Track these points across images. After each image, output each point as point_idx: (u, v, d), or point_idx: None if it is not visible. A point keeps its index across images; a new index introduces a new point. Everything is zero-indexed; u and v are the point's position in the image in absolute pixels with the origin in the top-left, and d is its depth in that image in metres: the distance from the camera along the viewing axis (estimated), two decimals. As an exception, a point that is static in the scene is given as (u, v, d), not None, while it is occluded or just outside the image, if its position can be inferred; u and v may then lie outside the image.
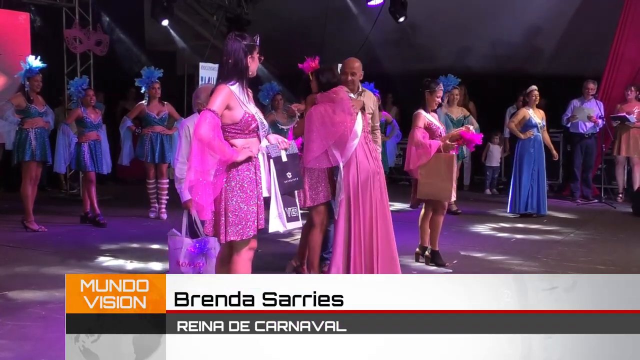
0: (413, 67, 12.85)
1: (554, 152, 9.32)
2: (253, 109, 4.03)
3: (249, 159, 3.93)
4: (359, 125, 5.19)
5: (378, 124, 6.05)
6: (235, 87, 3.93)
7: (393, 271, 5.26)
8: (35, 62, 7.72)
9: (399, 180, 12.46)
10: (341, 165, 5.20)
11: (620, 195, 10.67)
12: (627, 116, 10.30)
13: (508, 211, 9.24)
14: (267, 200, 4.03)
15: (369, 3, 11.96)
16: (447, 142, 6.14)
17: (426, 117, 6.19)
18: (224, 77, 3.95)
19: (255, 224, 3.95)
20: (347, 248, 5.21)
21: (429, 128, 6.18)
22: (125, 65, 12.22)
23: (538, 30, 12.41)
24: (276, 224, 4.08)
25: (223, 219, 3.90)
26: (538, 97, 8.99)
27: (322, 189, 5.36)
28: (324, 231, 5.59)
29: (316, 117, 5.11)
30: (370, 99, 5.90)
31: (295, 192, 4.22)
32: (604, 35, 11.21)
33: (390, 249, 5.32)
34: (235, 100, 3.90)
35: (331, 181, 5.40)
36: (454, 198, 6.27)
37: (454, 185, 6.12)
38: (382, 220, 5.29)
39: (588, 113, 10.29)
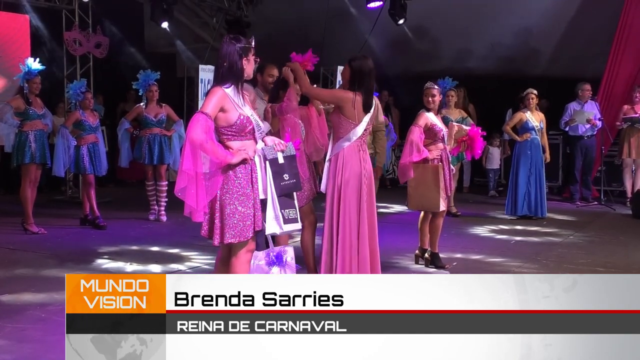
0: (413, 69, 12.87)
1: (547, 155, 9.27)
2: (249, 111, 4.05)
3: (244, 161, 3.95)
4: (361, 128, 5.09)
5: (382, 125, 6.06)
6: (230, 90, 3.97)
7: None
8: (34, 64, 7.71)
9: (399, 182, 12.43)
10: (329, 153, 5.06)
11: (629, 200, 10.20)
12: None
13: (505, 213, 9.25)
14: (264, 202, 4.04)
15: (368, 5, 11.96)
16: (454, 136, 6.14)
17: (429, 117, 6.15)
18: (219, 79, 4.01)
19: (252, 225, 3.96)
20: (331, 248, 4.99)
21: (431, 129, 6.14)
22: (124, 68, 12.21)
23: (537, 33, 12.42)
24: (273, 226, 4.07)
25: (218, 221, 3.93)
26: (535, 100, 8.97)
27: (305, 190, 5.26)
28: (314, 231, 5.52)
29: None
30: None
31: (294, 193, 4.21)
32: (603, 36, 11.22)
33: (373, 260, 5.08)
34: (230, 103, 3.94)
35: (313, 180, 5.36)
36: (442, 208, 6.09)
37: (443, 194, 6.05)
38: (370, 227, 5.05)
39: (587, 116, 10.26)
